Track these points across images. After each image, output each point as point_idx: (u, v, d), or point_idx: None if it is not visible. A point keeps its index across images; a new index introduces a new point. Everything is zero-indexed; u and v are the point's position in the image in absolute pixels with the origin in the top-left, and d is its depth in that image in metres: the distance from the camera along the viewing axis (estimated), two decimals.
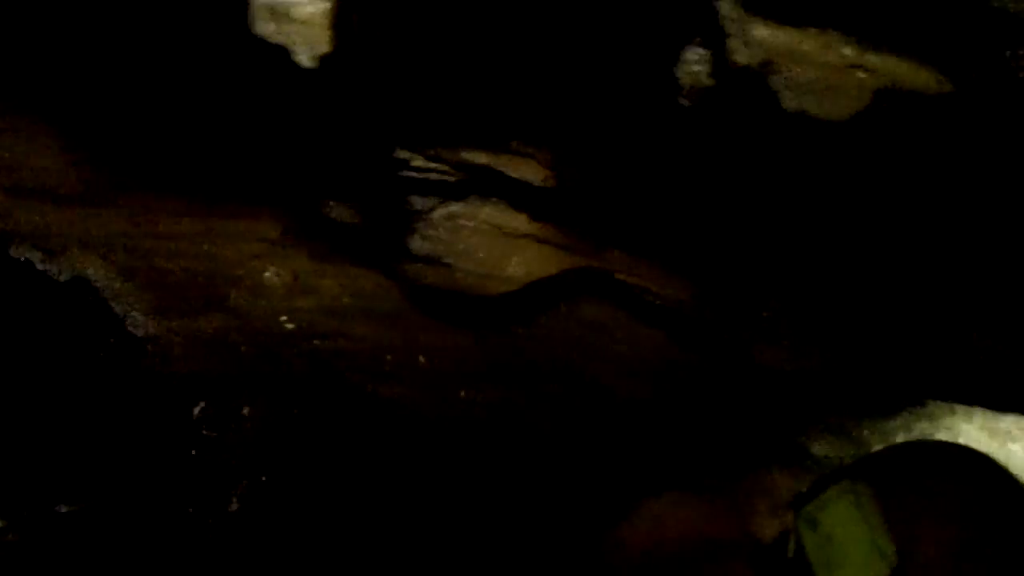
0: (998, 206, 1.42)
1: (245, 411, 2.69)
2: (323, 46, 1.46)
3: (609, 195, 1.88)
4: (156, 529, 2.36)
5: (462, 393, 2.63)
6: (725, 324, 2.08)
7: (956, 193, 1.43)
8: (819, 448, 2.35)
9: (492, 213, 2.12)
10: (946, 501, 1.00)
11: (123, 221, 2.73)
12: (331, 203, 2.21)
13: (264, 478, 2.57)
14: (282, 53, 1.46)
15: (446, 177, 1.94)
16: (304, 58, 1.49)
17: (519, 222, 2.09)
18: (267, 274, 2.74)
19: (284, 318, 2.70)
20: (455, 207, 2.13)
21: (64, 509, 2.31)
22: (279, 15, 1.43)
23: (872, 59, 1.09)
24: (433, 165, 1.91)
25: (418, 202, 2.09)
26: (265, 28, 1.44)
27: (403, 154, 1.87)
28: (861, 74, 1.09)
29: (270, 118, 1.97)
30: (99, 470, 2.45)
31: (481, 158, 1.87)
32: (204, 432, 2.66)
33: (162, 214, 2.68)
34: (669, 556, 1.89)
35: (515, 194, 2.02)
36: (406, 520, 2.42)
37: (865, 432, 2.33)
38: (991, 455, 2.21)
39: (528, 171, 1.93)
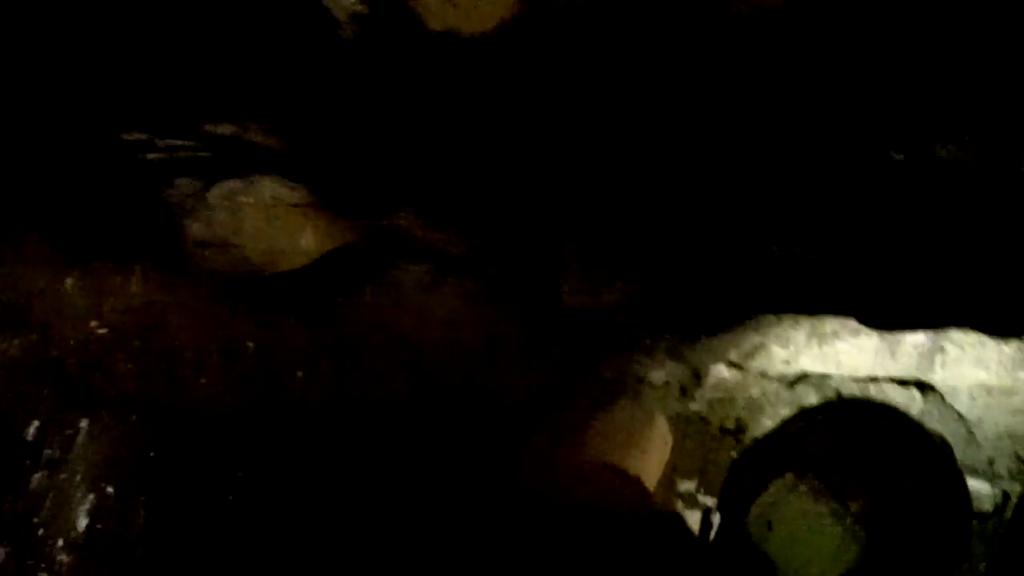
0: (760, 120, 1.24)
1: (83, 424, 2.50)
2: None
3: (370, 156, 1.67)
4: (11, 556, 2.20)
5: (299, 374, 2.47)
6: (529, 270, 1.91)
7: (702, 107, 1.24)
8: (656, 375, 2.25)
9: (271, 188, 1.88)
10: (886, 470, 0.94)
11: None
12: (103, 205, 1.95)
13: (111, 490, 2.40)
14: None
15: (200, 153, 1.69)
16: None
17: (299, 195, 1.86)
18: (67, 283, 2.49)
19: (95, 323, 2.48)
20: (230, 185, 1.89)
21: None
22: None
23: None
24: (179, 143, 1.66)
25: (186, 185, 1.85)
26: None
27: (136, 136, 1.60)
28: None
29: None
30: None
31: (225, 129, 1.62)
32: (46, 452, 2.47)
33: None
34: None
35: (287, 167, 1.79)
36: (268, 517, 2.30)
37: (698, 353, 2.23)
38: (821, 357, 2.12)
39: (272, 140, 1.69)
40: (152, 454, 2.39)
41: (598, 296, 1.82)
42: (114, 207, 1.91)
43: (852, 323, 2.01)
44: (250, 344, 2.44)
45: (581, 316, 2.04)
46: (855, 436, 1.06)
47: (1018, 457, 2.06)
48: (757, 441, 1.18)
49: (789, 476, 1.03)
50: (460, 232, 1.77)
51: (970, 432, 1.92)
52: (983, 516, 2.03)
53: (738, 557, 1.03)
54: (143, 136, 1.63)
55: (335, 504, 2.20)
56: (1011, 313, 1.53)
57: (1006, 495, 2.05)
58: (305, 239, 1.90)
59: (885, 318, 1.62)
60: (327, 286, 2.23)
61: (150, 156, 1.71)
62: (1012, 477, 2.07)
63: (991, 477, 2.08)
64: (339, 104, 1.40)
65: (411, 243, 1.98)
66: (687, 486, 1.57)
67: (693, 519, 1.74)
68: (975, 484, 1.90)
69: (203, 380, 2.47)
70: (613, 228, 1.66)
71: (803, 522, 0.98)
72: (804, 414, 1.14)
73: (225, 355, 2.43)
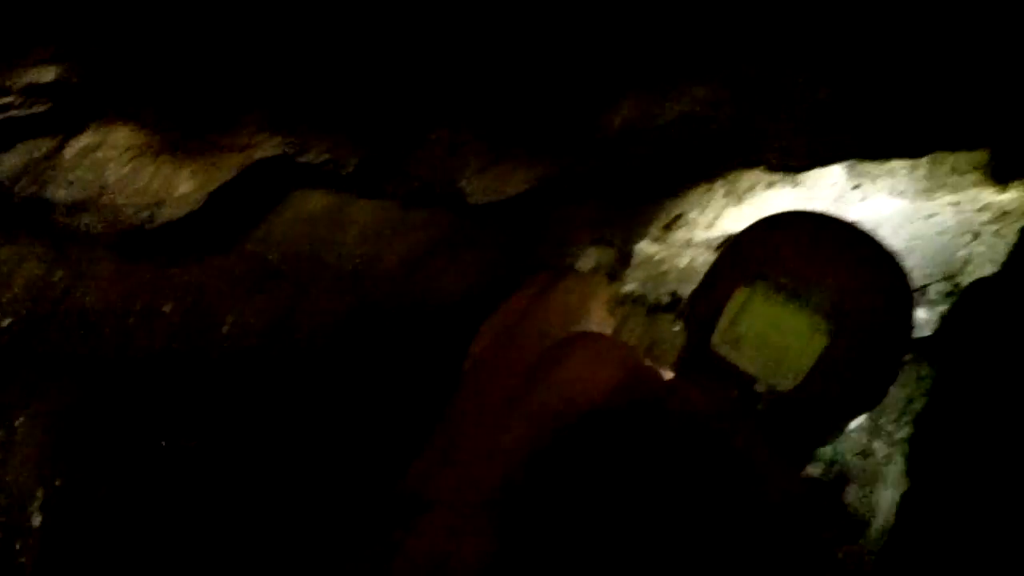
0: None
1: (32, 410, 2.41)
2: None
3: (218, 75, 1.47)
4: None
5: (228, 319, 2.35)
6: (427, 175, 1.76)
7: None
8: (584, 262, 2.16)
9: (128, 137, 1.67)
10: (835, 263, 0.96)
11: None
12: None
13: (66, 466, 2.34)
14: None
15: (33, 109, 1.48)
16: None
17: (160, 139, 1.66)
18: None
19: (3, 311, 2.32)
20: (83, 141, 1.67)
21: None
22: None
23: None
24: (5, 100, 1.44)
25: (34, 149, 1.64)
26: None
27: None
28: None
29: None
30: None
31: (47, 75, 1.39)
32: None
33: None
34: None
35: (137, 112, 1.58)
36: (229, 461, 2.25)
37: (621, 233, 2.13)
38: (741, 215, 2.04)
39: (107, 81, 1.47)
40: (101, 425, 2.31)
41: (502, 190, 1.68)
42: None
43: (764, 175, 1.91)
44: (171, 303, 2.30)
45: (494, 214, 1.92)
46: (797, 238, 1.05)
47: (947, 277, 2.03)
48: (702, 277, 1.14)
49: (743, 288, 1.00)
50: (340, 146, 1.60)
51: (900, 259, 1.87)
52: (925, 341, 2.02)
53: (716, 380, 1.01)
54: None
55: (288, 439, 2.14)
56: (912, 132, 1.44)
57: (942, 318, 2.02)
58: (182, 185, 1.72)
59: (789, 159, 1.53)
60: (229, 225, 2.07)
61: None
62: (945, 298, 2.03)
63: (928, 304, 2.04)
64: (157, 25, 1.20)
65: (295, 167, 1.81)
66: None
67: None
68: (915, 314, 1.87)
69: (136, 344, 2.36)
70: (505, 118, 1.51)
71: (768, 325, 0.97)
72: (737, 237, 1.12)
73: (148, 315, 2.30)
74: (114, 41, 1.32)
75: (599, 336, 1.24)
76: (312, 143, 1.57)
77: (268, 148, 1.62)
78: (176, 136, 1.65)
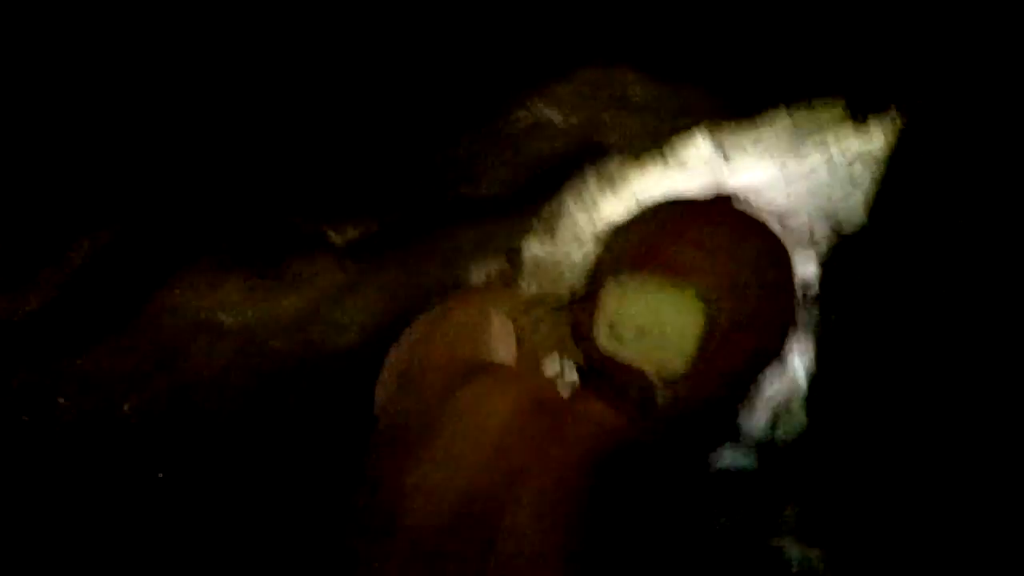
0: None
1: None
2: None
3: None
4: None
5: (129, 400, 2.25)
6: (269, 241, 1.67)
7: None
8: (475, 276, 2.10)
9: None
10: (705, 245, 0.94)
11: None
12: None
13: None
14: None
15: None
16: None
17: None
18: None
19: None
20: None
21: None
22: None
23: None
24: None
25: None
26: None
27: None
28: None
29: None
30: None
31: None
32: None
33: None
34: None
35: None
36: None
37: (503, 239, 2.07)
38: (618, 199, 1.99)
39: None
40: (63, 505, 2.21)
41: (344, 234, 1.61)
42: None
43: (629, 158, 1.86)
44: (63, 396, 2.20)
45: (373, 252, 1.84)
46: (662, 225, 1.03)
47: (833, 229, 2.02)
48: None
49: (613, 283, 0.98)
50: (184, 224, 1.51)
51: (783, 219, 1.84)
52: (811, 288, 2.01)
53: (602, 380, 1.00)
54: None
55: (211, 505, 2.06)
56: (749, 88, 1.38)
57: (823, 267, 2.01)
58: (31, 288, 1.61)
59: (632, 140, 1.48)
60: (112, 310, 1.96)
61: None
62: (832, 249, 2.03)
63: (820, 257, 2.03)
64: None
65: (164, 243, 1.71)
66: (554, 367, 1.50)
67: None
68: (803, 257, 1.86)
69: (33, 440, 2.25)
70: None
71: (644, 315, 0.93)
72: (610, 233, 1.10)
73: (40, 411, 2.20)
74: None
75: (494, 369, 1.22)
76: (144, 227, 1.47)
77: (103, 237, 1.52)
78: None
